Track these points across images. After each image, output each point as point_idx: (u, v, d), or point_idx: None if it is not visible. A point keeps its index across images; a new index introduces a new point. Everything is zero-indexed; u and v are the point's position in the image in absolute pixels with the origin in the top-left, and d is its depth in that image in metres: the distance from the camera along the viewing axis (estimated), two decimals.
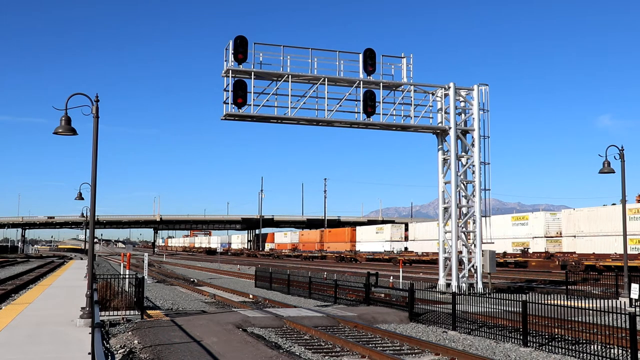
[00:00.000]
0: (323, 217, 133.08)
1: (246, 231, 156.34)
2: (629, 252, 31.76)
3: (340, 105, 26.92)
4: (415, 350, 14.41)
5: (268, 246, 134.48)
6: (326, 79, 26.70)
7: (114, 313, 18.28)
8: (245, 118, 26.21)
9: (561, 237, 54.76)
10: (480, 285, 27.67)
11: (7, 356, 11.80)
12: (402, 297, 22.97)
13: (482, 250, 27.99)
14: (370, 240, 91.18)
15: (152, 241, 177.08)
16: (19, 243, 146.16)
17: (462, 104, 29.21)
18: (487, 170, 28.62)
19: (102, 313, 17.68)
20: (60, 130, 15.39)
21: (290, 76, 26.22)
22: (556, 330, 15.61)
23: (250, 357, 12.72)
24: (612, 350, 13.66)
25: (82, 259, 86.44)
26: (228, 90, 25.50)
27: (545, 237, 56.05)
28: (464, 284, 27.85)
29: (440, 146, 29.02)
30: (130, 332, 15.73)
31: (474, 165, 28.70)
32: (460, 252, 28.63)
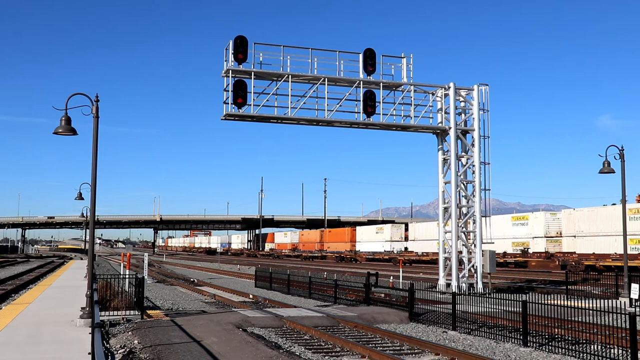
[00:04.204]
0: (323, 217, 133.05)
1: (246, 231, 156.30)
2: (629, 252, 31.75)
3: (340, 105, 26.94)
4: (415, 350, 14.41)
5: (268, 246, 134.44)
6: (326, 79, 26.70)
7: (114, 313, 18.27)
8: (245, 118, 26.22)
9: (561, 237, 54.74)
10: (480, 285, 27.68)
11: (7, 356, 11.80)
12: (402, 297, 22.96)
13: (482, 250, 27.98)
14: (370, 240, 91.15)
15: (152, 241, 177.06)
16: (19, 243, 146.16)
17: (462, 104, 29.22)
18: (487, 170, 28.67)
19: (102, 313, 17.67)
20: (60, 130, 15.39)
21: (290, 76, 26.22)
22: (556, 330, 15.61)
23: (250, 357, 12.72)
24: (612, 350, 13.66)
25: (82, 259, 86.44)
26: (228, 90, 25.52)
27: (545, 237, 56.03)
28: (464, 284, 27.85)
29: (440, 146, 29.02)
30: (130, 332, 15.73)
31: (474, 165, 28.71)
32: (460, 252, 28.63)
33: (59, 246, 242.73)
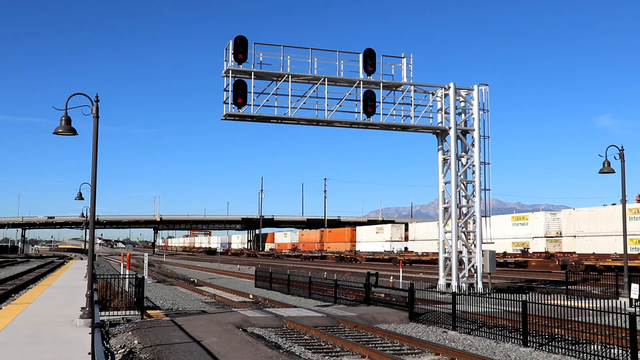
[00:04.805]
0: (323, 217, 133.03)
1: (246, 231, 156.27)
2: (629, 252, 31.75)
3: (340, 105, 26.94)
4: (415, 350, 14.41)
5: (268, 246, 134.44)
6: (326, 79, 26.70)
7: (114, 313, 18.27)
8: (245, 118, 26.22)
9: (561, 237, 54.74)
10: (480, 285, 27.67)
11: (7, 356, 11.80)
12: (402, 297, 22.96)
13: (482, 250, 27.98)
14: (370, 240, 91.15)
15: (152, 241, 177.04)
16: (19, 243, 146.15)
17: (462, 104, 29.22)
18: (487, 170, 28.67)
19: (102, 313, 17.67)
20: (60, 130, 15.39)
21: (290, 76, 26.22)
22: (556, 330, 15.61)
23: (250, 357, 12.72)
24: (612, 350, 13.66)
25: (82, 259, 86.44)
26: (228, 90, 25.53)
27: (545, 237, 56.03)
28: (464, 284, 27.85)
29: (440, 146, 29.02)
30: (130, 332, 15.73)
31: (474, 165, 28.71)
32: (460, 252, 28.63)
33: (59, 246, 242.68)
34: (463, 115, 29.11)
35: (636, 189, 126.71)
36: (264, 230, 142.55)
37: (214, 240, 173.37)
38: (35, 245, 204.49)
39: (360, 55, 27.23)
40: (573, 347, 14.02)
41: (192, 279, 44.43)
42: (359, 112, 27.09)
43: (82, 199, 41.80)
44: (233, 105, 25.48)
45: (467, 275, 28.34)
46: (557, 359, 13.64)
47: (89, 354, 11.21)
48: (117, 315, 18.13)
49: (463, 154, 28.98)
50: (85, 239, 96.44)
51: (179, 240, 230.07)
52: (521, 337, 15.23)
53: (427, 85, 28.55)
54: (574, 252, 48.86)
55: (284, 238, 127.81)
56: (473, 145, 28.80)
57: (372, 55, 27.16)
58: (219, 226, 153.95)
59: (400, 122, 28.06)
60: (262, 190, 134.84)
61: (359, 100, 27.03)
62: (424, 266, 62.20)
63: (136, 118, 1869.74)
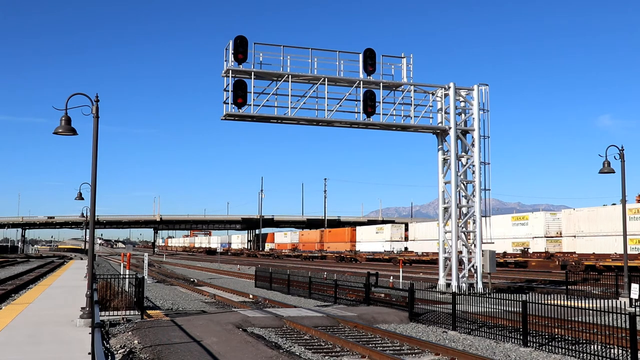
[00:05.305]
0: (323, 217, 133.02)
1: (246, 231, 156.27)
2: (629, 252, 31.73)
3: (340, 105, 26.94)
4: (415, 350, 14.41)
5: (268, 246, 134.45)
6: (326, 79, 26.70)
7: (114, 313, 18.27)
8: (245, 118, 26.22)
9: (561, 237, 54.75)
10: (480, 285, 27.68)
11: (7, 356, 11.80)
12: (402, 297, 22.96)
13: (482, 250, 27.98)
14: (370, 240, 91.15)
15: (152, 241, 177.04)
16: (19, 243, 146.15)
17: (462, 104, 29.22)
18: (487, 170, 28.67)
19: (102, 313, 17.67)
20: (60, 130, 15.39)
21: (290, 76, 26.22)
22: (556, 330, 15.61)
23: (250, 357, 12.72)
24: (612, 350, 13.66)
25: (82, 259, 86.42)
26: (228, 90, 25.53)
27: (545, 237, 56.03)
28: (464, 284, 27.85)
29: (440, 146, 29.03)
30: (130, 332, 15.73)
31: (474, 165, 28.71)
32: (460, 252, 28.63)
33: (59, 246, 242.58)
34: (463, 115, 29.11)
35: (636, 189, 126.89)
36: (264, 230, 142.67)
37: (214, 240, 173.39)
38: (35, 245, 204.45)
39: (360, 55, 27.23)
40: (573, 347, 14.02)
41: (192, 279, 44.43)
42: (359, 112, 27.10)
43: (82, 199, 41.83)
44: (233, 105, 25.48)
45: (467, 275, 28.34)
46: (557, 359, 13.64)
47: (89, 354, 11.22)
48: (117, 315, 18.13)
49: (463, 154, 28.98)
50: (85, 239, 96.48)
51: (179, 240, 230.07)
52: (521, 337, 15.24)
53: (427, 85, 28.56)
54: (574, 252, 48.87)
55: (284, 238, 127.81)
56: (473, 145, 28.80)
57: (372, 55, 27.16)
58: (219, 226, 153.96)
59: (400, 122, 28.07)
60: (262, 190, 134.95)
61: (359, 100, 27.04)
62: (424, 266, 62.19)
63: (136, 118, 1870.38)
